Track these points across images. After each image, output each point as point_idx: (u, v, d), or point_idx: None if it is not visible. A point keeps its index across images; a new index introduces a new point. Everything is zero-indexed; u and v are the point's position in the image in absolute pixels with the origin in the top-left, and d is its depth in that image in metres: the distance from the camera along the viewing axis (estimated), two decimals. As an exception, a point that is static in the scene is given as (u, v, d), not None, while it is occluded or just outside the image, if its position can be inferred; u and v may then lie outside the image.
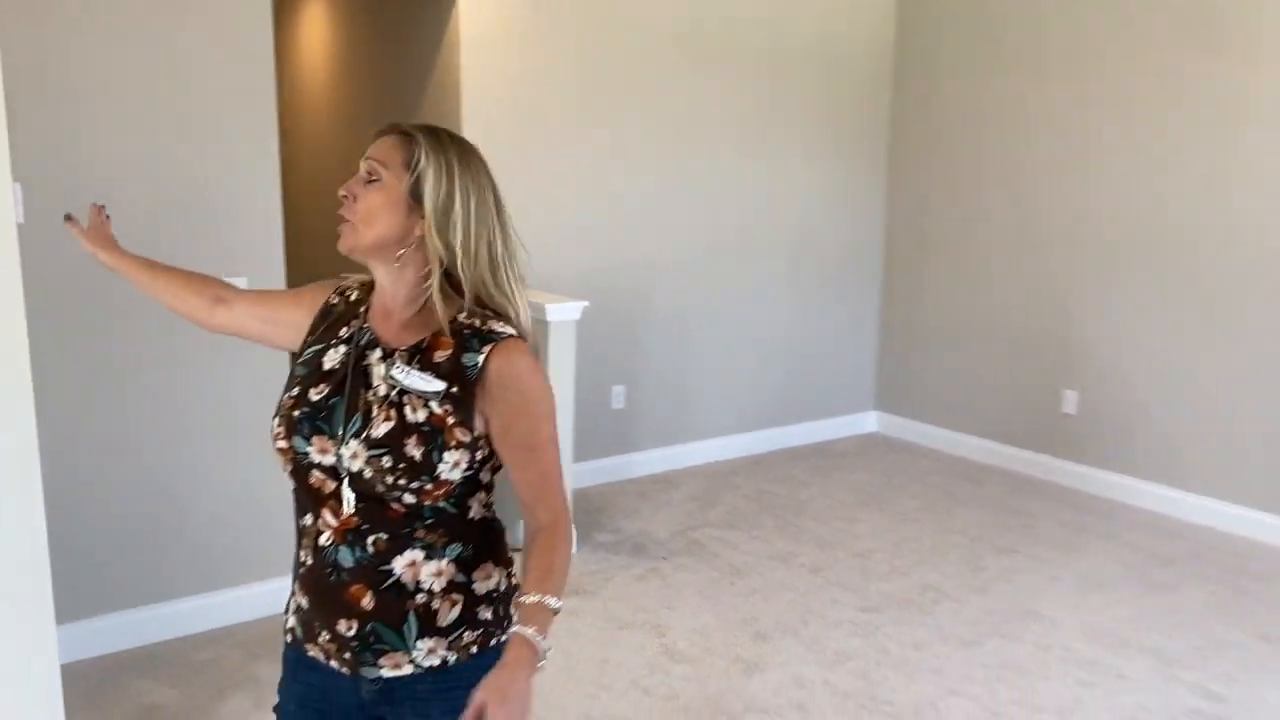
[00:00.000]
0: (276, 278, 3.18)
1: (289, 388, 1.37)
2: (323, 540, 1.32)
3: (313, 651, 1.38)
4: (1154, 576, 3.72)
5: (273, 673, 2.81)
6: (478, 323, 1.30)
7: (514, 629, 1.22)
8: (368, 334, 1.35)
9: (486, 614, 1.36)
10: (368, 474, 1.27)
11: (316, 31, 5.68)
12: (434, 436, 1.26)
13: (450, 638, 1.33)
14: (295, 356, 1.42)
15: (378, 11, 4.93)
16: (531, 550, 1.30)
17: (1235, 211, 4.10)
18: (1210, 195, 4.18)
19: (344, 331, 1.38)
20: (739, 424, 5.22)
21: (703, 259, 4.93)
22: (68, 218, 1.68)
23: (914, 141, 5.43)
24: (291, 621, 1.42)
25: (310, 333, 1.41)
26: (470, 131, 4.07)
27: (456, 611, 1.33)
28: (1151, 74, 4.34)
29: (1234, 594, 3.56)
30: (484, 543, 1.36)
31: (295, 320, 1.45)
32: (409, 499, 1.28)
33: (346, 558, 1.31)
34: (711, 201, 4.92)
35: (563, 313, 3.73)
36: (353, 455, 1.27)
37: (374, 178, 1.30)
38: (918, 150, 5.42)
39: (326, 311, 1.42)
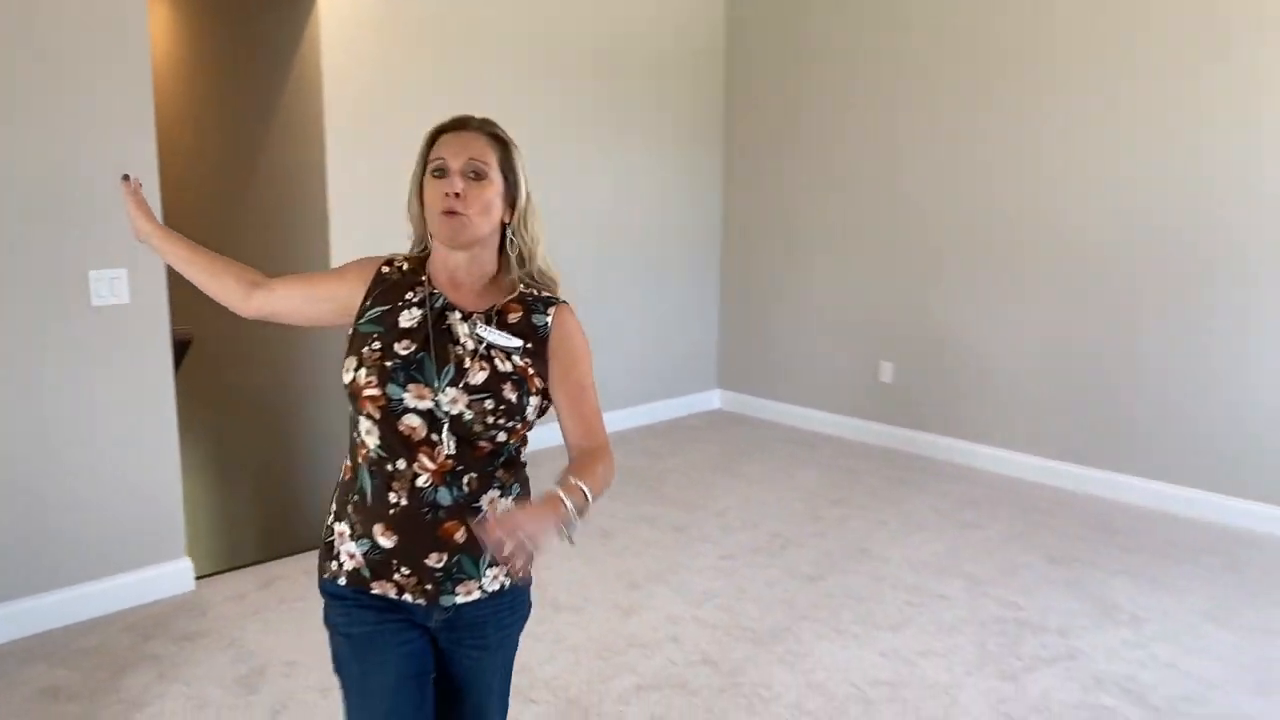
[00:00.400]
0: (156, 265, 3.24)
1: (363, 344, 1.51)
2: (420, 482, 1.48)
3: (378, 589, 1.52)
4: (963, 517, 4.30)
5: (170, 650, 2.92)
6: (537, 292, 1.58)
7: (550, 490, 1.39)
8: (440, 298, 1.54)
9: None
10: (468, 416, 1.47)
11: (162, 30, 5.58)
12: (521, 384, 1.51)
13: (505, 566, 1.53)
14: (358, 318, 1.55)
15: (231, 8, 4.93)
16: (577, 459, 1.52)
17: (1030, 200, 4.76)
18: (1011, 186, 4.84)
19: (411, 295, 1.54)
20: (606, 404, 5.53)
21: (553, 250, 5.20)
22: (125, 177, 1.80)
23: (746, 136, 5.92)
24: (350, 565, 1.53)
25: (367, 297, 1.57)
26: (333, 124, 4.21)
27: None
28: (956, 75, 4.96)
29: (1026, 527, 4.18)
30: (526, 484, 1.62)
31: (341, 294, 1.60)
32: (500, 437, 1.50)
33: (445, 497, 1.49)
34: (561, 194, 5.20)
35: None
36: (452, 400, 1.46)
37: (480, 177, 1.51)
38: (750, 144, 5.91)
39: (380, 279, 1.58)
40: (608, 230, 5.45)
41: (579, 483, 1.40)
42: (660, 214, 5.74)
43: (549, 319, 1.56)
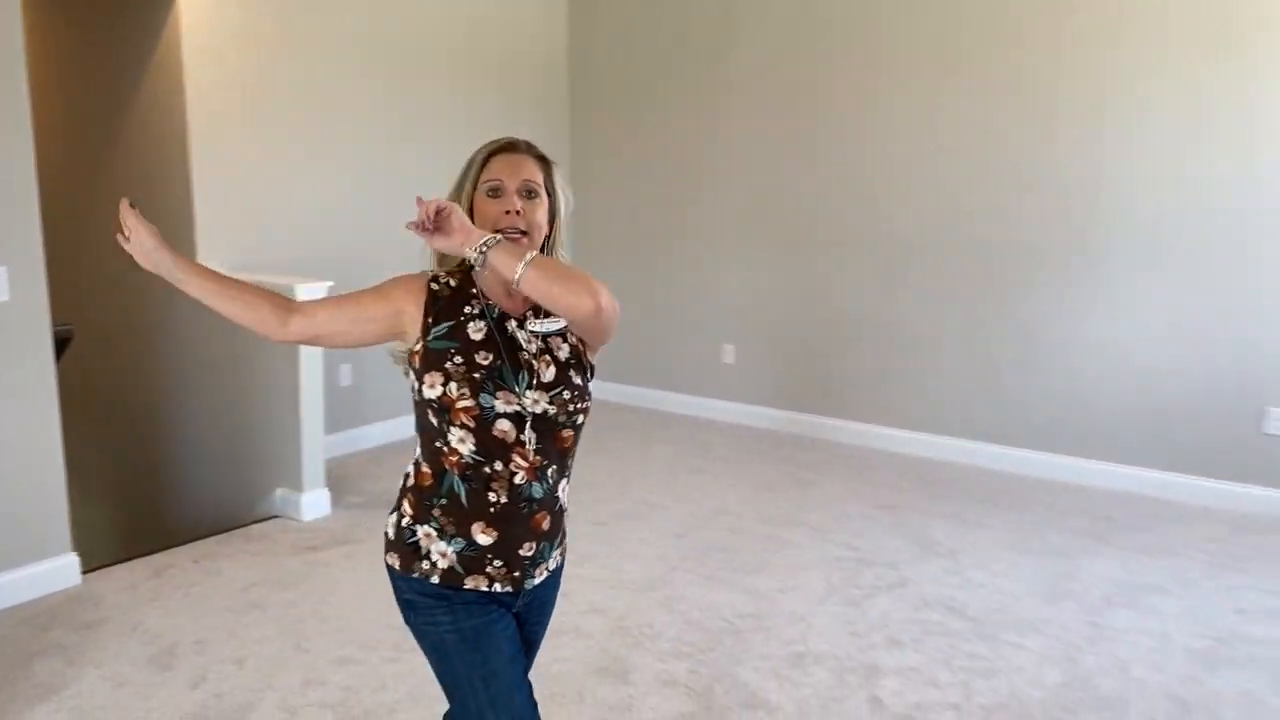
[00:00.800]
0: (35, 261, 3.25)
1: (443, 359, 1.59)
2: (518, 480, 1.61)
3: (470, 584, 1.63)
4: (803, 477, 4.83)
5: (73, 638, 2.99)
6: None
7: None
8: (496, 309, 1.65)
9: (566, 526, 1.78)
10: (552, 410, 1.62)
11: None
12: (580, 364, 1.67)
13: (562, 547, 1.77)
14: (424, 334, 1.62)
15: (85, 6, 4.82)
16: None
17: (854, 193, 5.34)
18: (835, 180, 5.40)
19: (469, 309, 1.64)
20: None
21: (405, 252, 5.39)
22: (132, 205, 1.68)
23: (588, 141, 6.27)
24: (444, 564, 1.62)
25: (428, 314, 1.64)
26: (196, 121, 4.26)
27: (564, 528, 1.77)
28: (787, 78, 5.49)
29: (857, 484, 4.74)
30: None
31: (385, 314, 1.66)
32: (579, 420, 1.67)
33: (537, 491, 1.63)
34: (409, 195, 5.39)
35: (311, 292, 4.06)
36: (534, 401, 1.61)
37: (534, 196, 1.65)
38: (592, 147, 6.27)
39: (435, 297, 1.66)
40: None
41: (520, 246, 1.56)
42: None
43: None
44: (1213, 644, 3.15)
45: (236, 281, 1.68)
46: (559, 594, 1.84)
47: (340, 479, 4.58)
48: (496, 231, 1.58)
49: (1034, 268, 4.78)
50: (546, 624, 1.84)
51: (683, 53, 5.81)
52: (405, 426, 5.45)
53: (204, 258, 4.37)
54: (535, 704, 1.69)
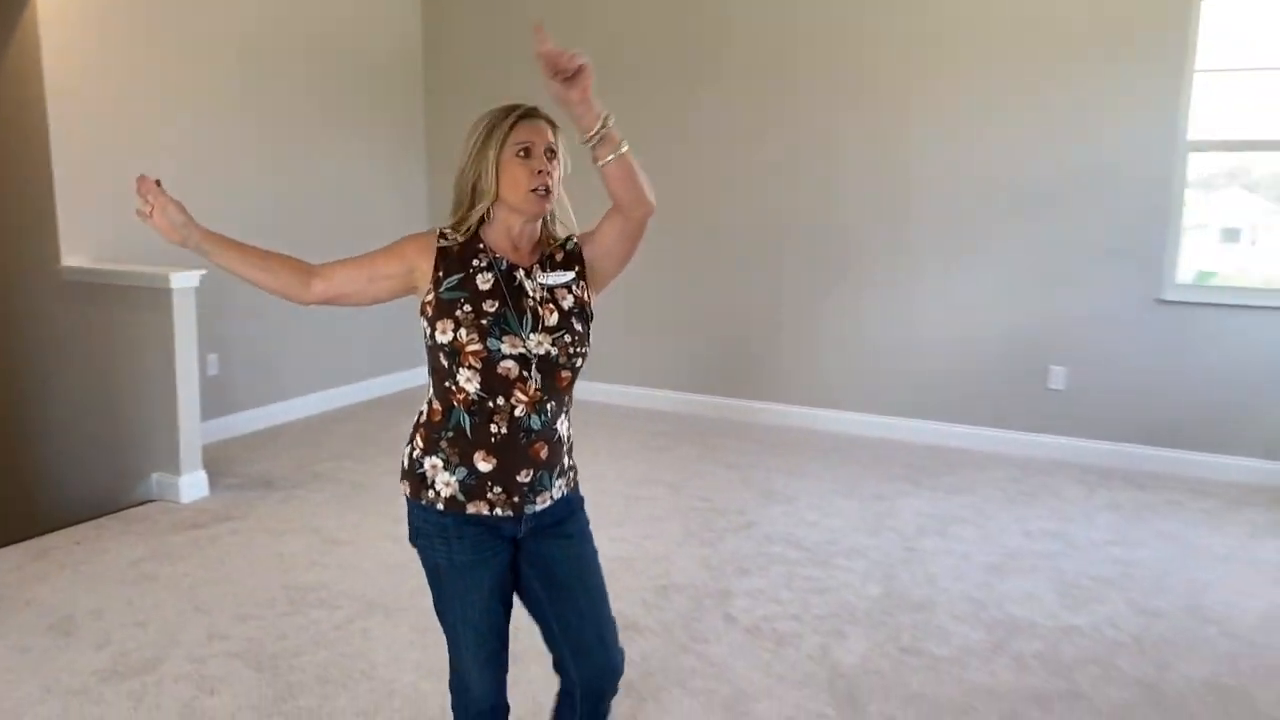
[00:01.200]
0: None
1: (453, 308, 1.75)
2: (518, 413, 1.76)
3: (473, 509, 1.79)
4: (657, 444, 5.26)
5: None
6: (562, 235, 1.90)
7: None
8: (504, 261, 1.81)
9: (572, 457, 1.93)
10: (554, 352, 1.76)
11: None
12: (583, 314, 1.83)
13: (566, 477, 1.89)
14: (436, 286, 1.78)
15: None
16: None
17: (694, 194, 5.82)
18: (676, 182, 5.86)
19: (477, 262, 1.80)
20: (327, 381, 5.92)
21: (281, 240, 5.52)
22: (145, 179, 1.85)
23: (446, 134, 6.52)
24: (447, 492, 1.78)
25: (438, 268, 1.79)
26: (56, 110, 4.29)
27: (568, 459, 1.91)
28: (629, 83, 5.91)
29: (706, 448, 5.22)
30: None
31: (398, 271, 1.83)
32: (578, 364, 1.80)
33: (535, 423, 1.77)
34: (283, 188, 5.53)
35: (184, 280, 4.19)
36: (538, 343, 1.76)
37: (554, 156, 1.81)
38: (450, 141, 6.52)
39: (443, 252, 1.81)
40: (314, 220, 5.82)
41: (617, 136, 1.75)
42: (372, 204, 6.19)
43: (577, 245, 1.90)
44: (1003, 559, 3.76)
45: (260, 250, 1.84)
46: (587, 526, 1.95)
47: (214, 463, 4.68)
48: (531, 191, 1.77)
49: (863, 256, 5.39)
50: (586, 551, 1.93)
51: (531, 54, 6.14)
52: (273, 414, 5.59)
53: (67, 249, 4.41)
54: (500, 660, 1.90)
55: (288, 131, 5.53)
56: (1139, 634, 3.15)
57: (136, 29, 4.67)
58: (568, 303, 1.82)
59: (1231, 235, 5.40)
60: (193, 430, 4.31)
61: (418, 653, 2.98)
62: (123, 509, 4.20)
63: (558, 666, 1.95)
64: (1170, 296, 4.76)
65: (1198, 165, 4.81)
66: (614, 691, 1.97)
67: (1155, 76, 4.64)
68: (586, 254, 1.89)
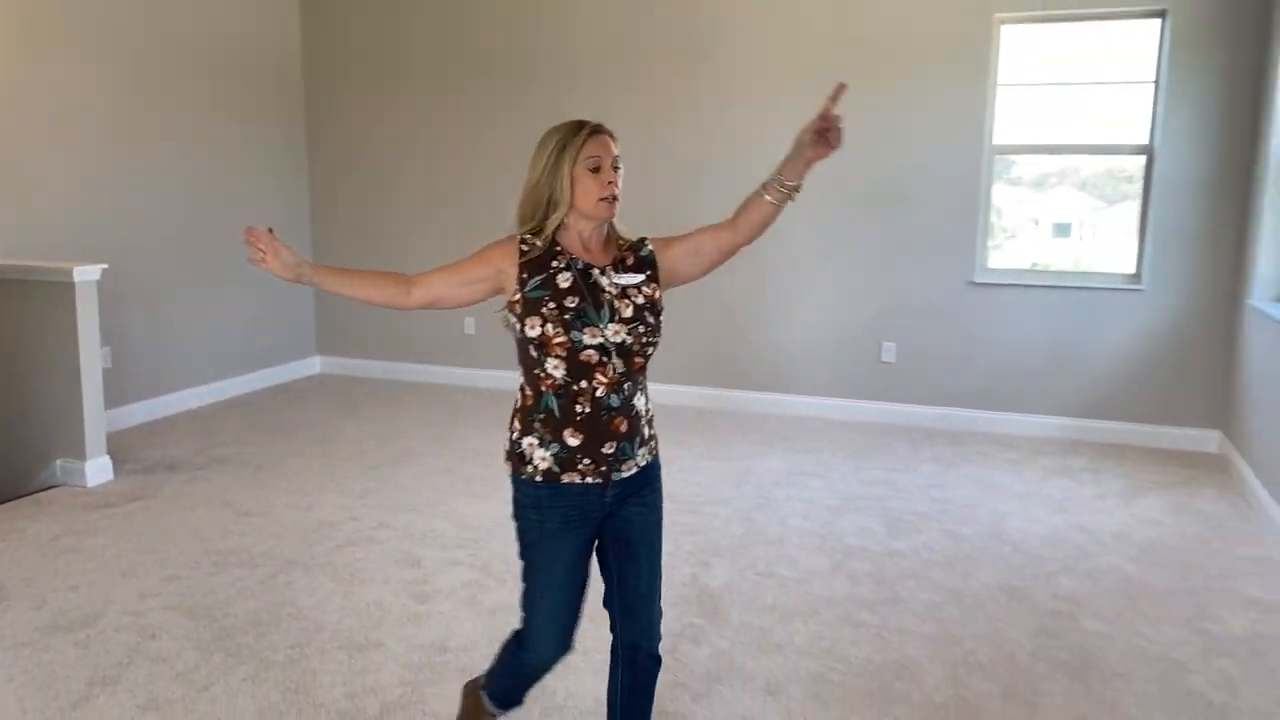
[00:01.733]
0: None
1: (539, 306, 1.96)
2: (599, 394, 1.98)
3: (566, 478, 2.00)
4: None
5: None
6: (626, 239, 2.12)
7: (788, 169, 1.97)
8: (580, 261, 2.02)
9: (653, 428, 2.15)
10: (629, 340, 1.99)
11: None
12: (654, 308, 2.05)
13: (647, 446, 2.11)
14: (521, 287, 1.99)
15: None
16: (741, 209, 2.06)
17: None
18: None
19: (556, 264, 2.01)
20: (212, 375, 6.11)
21: (162, 237, 5.71)
22: (269, 229, 2.09)
23: (326, 132, 6.79)
24: (544, 465, 2.00)
25: (522, 271, 2.00)
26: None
27: (648, 430, 2.13)
28: (499, 87, 6.33)
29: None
30: (647, 388, 2.13)
31: (487, 275, 2.05)
32: (650, 351, 2.03)
33: (615, 401, 2.00)
34: (171, 188, 5.71)
35: (86, 274, 4.39)
36: (615, 333, 1.98)
37: (619, 169, 2.04)
38: (330, 138, 6.79)
39: (525, 256, 2.02)
40: (203, 218, 6.02)
41: (769, 180, 2.02)
42: (254, 203, 6.41)
43: (650, 250, 2.11)
44: (842, 502, 4.40)
45: (361, 271, 2.12)
46: (659, 495, 2.16)
47: (114, 451, 4.86)
48: (601, 199, 2.01)
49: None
50: (655, 520, 2.14)
51: (411, 59, 6.50)
52: (166, 404, 5.77)
53: (-38, 245, 4.53)
54: (571, 620, 2.10)
55: (175, 133, 5.71)
56: (949, 554, 3.82)
57: (27, 33, 4.81)
58: (640, 299, 2.04)
59: (1063, 230, 6.23)
60: (97, 417, 4.51)
61: (339, 599, 3.35)
62: (30, 494, 4.37)
63: (612, 628, 2.18)
64: (979, 279, 5.55)
65: (1033, 166, 5.62)
66: (652, 656, 2.16)
67: (964, 90, 5.41)
68: (663, 258, 2.11)
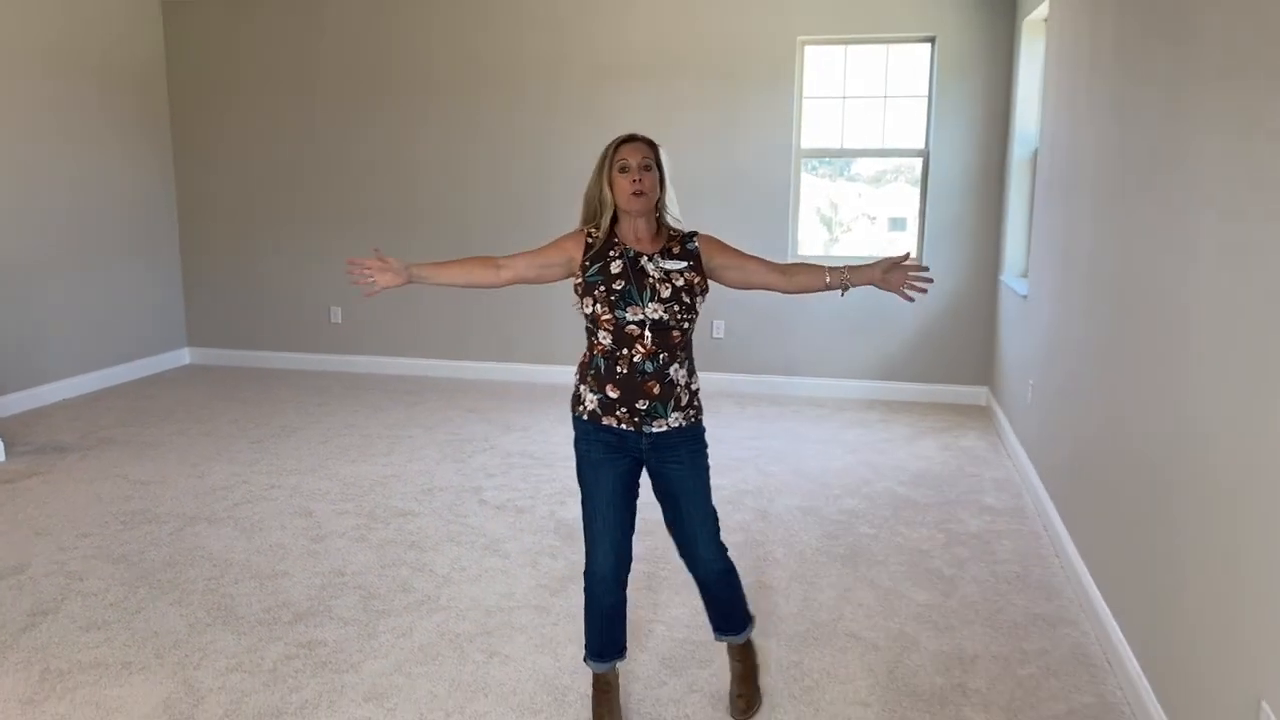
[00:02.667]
0: None
1: (594, 288, 2.35)
2: (636, 359, 2.35)
3: (606, 420, 2.40)
4: (407, 400, 6.27)
5: None
6: (678, 232, 2.47)
7: (845, 274, 2.43)
8: (631, 251, 2.39)
9: (695, 401, 2.47)
10: (665, 317, 2.35)
11: None
12: (692, 289, 2.39)
13: (683, 412, 2.43)
14: (584, 272, 2.38)
15: None
16: (806, 269, 2.48)
17: (386, 182, 6.83)
18: (380, 175, 6.85)
19: (612, 253, 2.40)
20: (83, 366, 6.36)
21: (30, 232, 5.95)
22: (375, 250, 2.53)
23: (193, 130, 7.10)
24: (591, 407, 2.41)
25: (585, 258, 2.40)
26: None
27: (686, 397, 2.43)
28: (354, 90, 6.82)
29: (450, 399, 6.29)
30: (693, 363, 2.49)
31: (561, 260, 2.45)
32: (685, 326, 2.38)
33: (649, 367, 2.36)
34: (34, 184, 5.95)
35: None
36: (654, 310, 2.34)
37: (649, 169, 2.37)
38: (197, 136, 7.11)
39: (589, 246, 2.42)
40: (70, 212, 6.28)
41: (834, 268, 2.46)
42: (121, 197, 6.68)
43: (696, 243, 2.47)
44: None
45: (457, 261, 2.54)
46: (705, 459, 2.51)
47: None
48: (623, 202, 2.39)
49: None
50: (692, 475, 2.46)
51: (275, 61, 6.91)
52: (39, 396, 6.00)
53: None
54: (621, 536, 2.46)
55: (43, 135, 5.95)
56: (759, 486, 4.65)
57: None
58: (680, 282, 2.40)
59: (899, 224, 7.13)
60: (-12, 402, 4.81)
61: (244, 543, 3.87)
62: (-78, 476, 4.64)
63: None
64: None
65: (871, 166, 6.53)
66: (720, 580, 2.57)
67: (775, 101, 6.28)
68: (708, 254, 2.47)
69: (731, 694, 2.72)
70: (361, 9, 6.72)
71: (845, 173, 7.17)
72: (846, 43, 6.28)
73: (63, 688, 2.79)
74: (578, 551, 3.80)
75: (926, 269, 2.51)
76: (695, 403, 2.47)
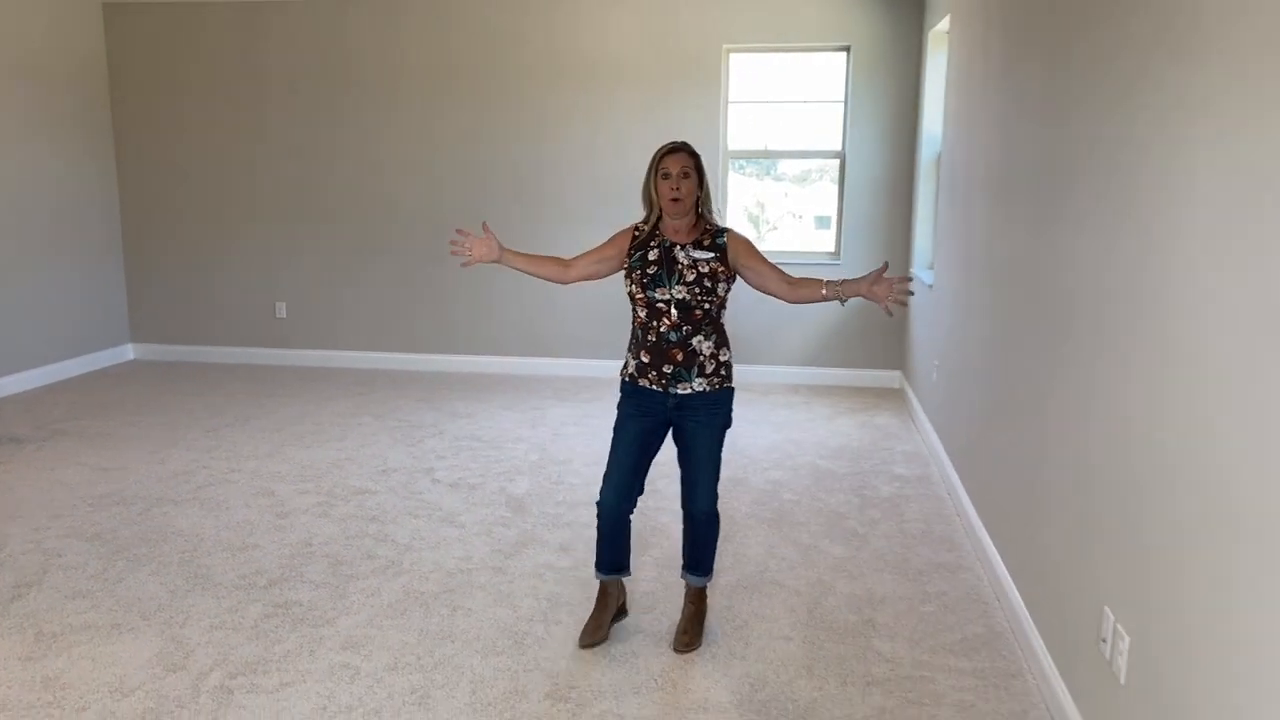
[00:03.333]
0: None
1: (633, 272, 2.85)
2: (663, 330, 2.84)
3: (642, 382, 2.89)
4: (354, 390, 6.51)
5: None
6: (713, 227, 2.93)
7: (838, 286, 2.79)
8: (668, 241, 2.87)
9: (722, 370, 2.91)
10: (687, 297, 2.81)
11: None
12: (714, 276, 2.84)
13: (707, 379, 2.88)
14: (630, 257, 2.89)
15: None
16: (805, 282, 2.89)
17: (338, 181, 7.06)
18: (350, 170, 7.07)
19: (653, 243, 2.88)
20: (26, 363, 6.46)
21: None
22: (484, 224, 3.02)
23: (136, 128, 7.21)
24: (631, 370, 2.91)
25: (632, 249, 2.91)
26: None
27: (712, 366, 2.88)
28: (297, 87, 7.02)
29: (399, 390, 6.54)
30: (722, 337, 2.92)
31: (613, 254, 2.95)
32: (706, 305, 2.83)
33: (674, 337, 2.84)
34: (-16, 180, 6.05)
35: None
36: (679, 291, 2.81)
37: (687, 176, 2.83)
38: (141, 134, 7.22)
39: (634, 239, 2.93)
40: (5, 215, 6.37)
41: (830, 280, 2.86)
42: (65, 201, 6.78)
43: (725, 239, 2.91)
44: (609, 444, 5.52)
45: (537, 256, 3.02)
46: (724, 423, 2.96)
47: (-47, 429, 5.27)
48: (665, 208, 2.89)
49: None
50: (705, 432, 2.92)
51: (220, 58, 7.07)
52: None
53: None
54: (628, 480, 2.95)
55: (-14, 131, 6.05)
56: (694, 462, 5.02)
57: None
58: (704, 269, 2.86)
59: (824, 222, 7.55)
60: (-54, 394, 4.93)
61: (212, 521, 4.12)
62: (-119, 467, 4.75)
63: (682, 497, 3.08)
64: (721, 258, 6.85)
65: (796, 166, 6.94)
66: (705, 523, 3.05)
67: (703, 105, 6.68)
68: (734, 252, 2.89)
69: (678, 631, 3.09)
70: (303, 9, 6.93)
71: (772, 172, 7.59)
72: (769, 51, 6.71)
73: (58, 647, 3.03)
74: (529, 521, 4.14)
75: (910, 280, 2.92)
76: (722, 372, 2.91)
